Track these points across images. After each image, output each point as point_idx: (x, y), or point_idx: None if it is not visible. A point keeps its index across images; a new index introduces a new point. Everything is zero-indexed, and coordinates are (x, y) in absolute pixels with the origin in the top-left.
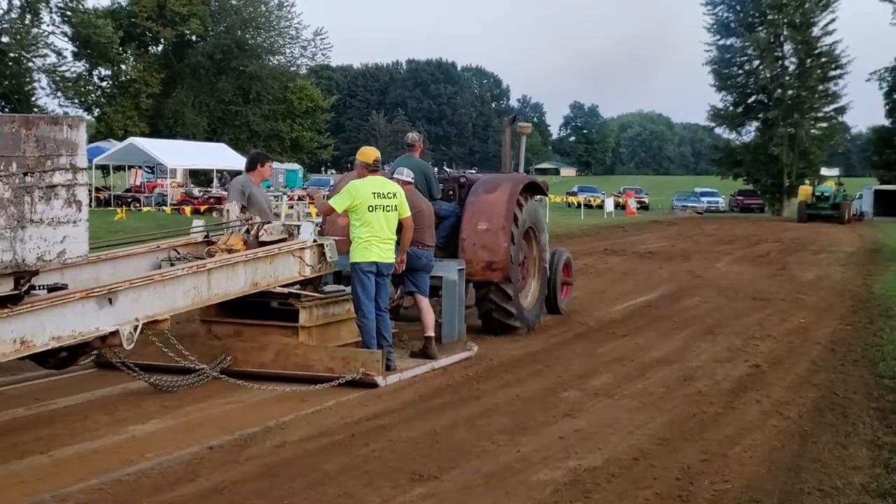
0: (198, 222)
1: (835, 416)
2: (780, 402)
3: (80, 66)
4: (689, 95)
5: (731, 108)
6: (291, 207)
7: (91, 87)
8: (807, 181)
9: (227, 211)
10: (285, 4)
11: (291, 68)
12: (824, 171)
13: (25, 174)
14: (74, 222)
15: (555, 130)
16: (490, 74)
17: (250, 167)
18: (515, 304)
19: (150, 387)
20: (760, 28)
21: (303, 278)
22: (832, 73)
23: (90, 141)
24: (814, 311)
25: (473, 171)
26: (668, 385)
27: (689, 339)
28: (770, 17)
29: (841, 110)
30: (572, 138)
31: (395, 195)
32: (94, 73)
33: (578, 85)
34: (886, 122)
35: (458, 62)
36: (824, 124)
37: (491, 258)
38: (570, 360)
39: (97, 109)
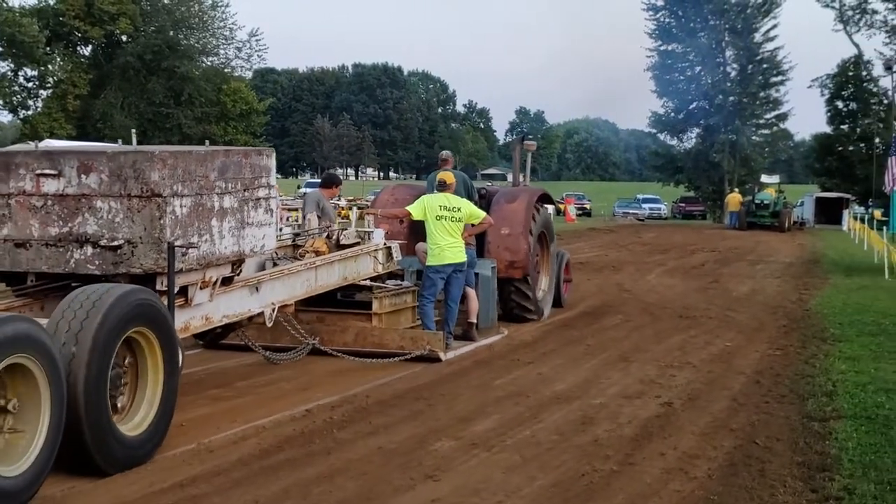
0: (287, 229)
1: (751, 475)
2: (687, 456)
3: (5, 66)
4: (634, 101)
5: (672, 114)
6: (362, 217)
7: (16, 88)
8: (736, 189)
9: (308, 220)
10: (219, 4)
11: (226, 70)
12: (764, 179)
13: (245, 190)
14: (269, 224)
15: (500, 136)
16: (436, 79)
17: (326, 185)
18: (532, 297)
19: (260, 359)
20: (702, 34)
21: (376, 274)
22: (773, 79)
23: (10, 143)
24: (743, 332)
25: (490, 185)
26: (561, 431)
27: (599, 367)
28: (712, 22)
29: (782, 117)
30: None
31: (460, 209)
32: (19, 73)
33: (524, 90)
34: (828, 130)
35: (404, 67)
36: (766, 131)
37: (513, 258)
38: (459, 395)
39: (22, 111)
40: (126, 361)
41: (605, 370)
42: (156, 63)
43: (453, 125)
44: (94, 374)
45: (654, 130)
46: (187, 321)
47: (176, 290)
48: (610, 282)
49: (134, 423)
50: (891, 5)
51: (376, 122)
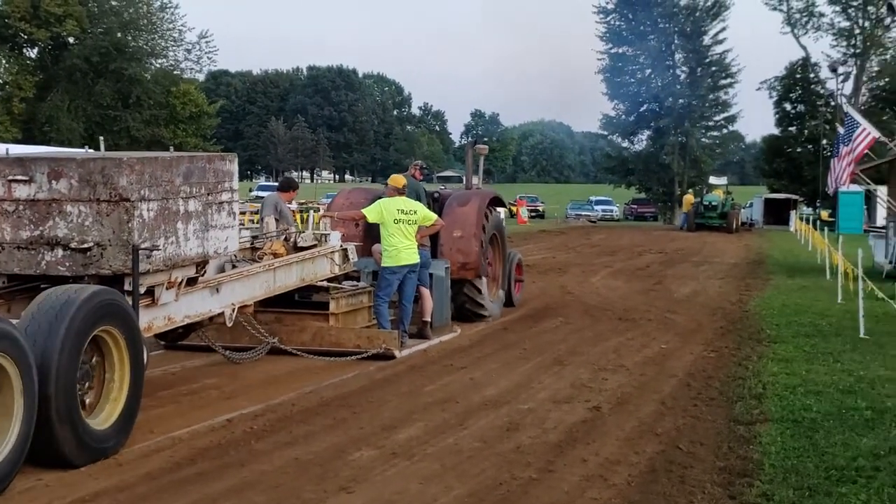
0: (245, 232)
1: (671, 481)
2: (609, 462)
3: None
4: (588, 104)
5: (623, 116)
6: (319, 221)
7: None
8: (690, 191)
9: (267, 223)
10: (168, 6)
11: (175, 72)
12: (713, 180)
13: (208, 194)
14: (232, 227)
15: (456, 138)
16: (391, 82)
17: (283, 189)
18: (484, 297)
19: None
20: (652, 37)
21: (333, 275)
22: (722, 82)
23: None
24: (680, 334)
25: (443, 188)
26: (485, 438)
27: (533, 371)
28: (661, 25)
29: (731, 119)
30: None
31: (416, 212)
32: None
33: (479, 93)
34: (777, 132)
35: (359, 69)
36: (715, 133)
37: (465, 260)
38: (387, 403)
39: None
40: (94, 359)
41: (538, 374)
42: (103, 65)
43: (409, 128)
44: (65, 370)
45: (605, 133)
46: (150, 321)
47: (143, 290)
48: (554, 284)
49: (101, 418)
50: (837, 8)
51: (331, 124)
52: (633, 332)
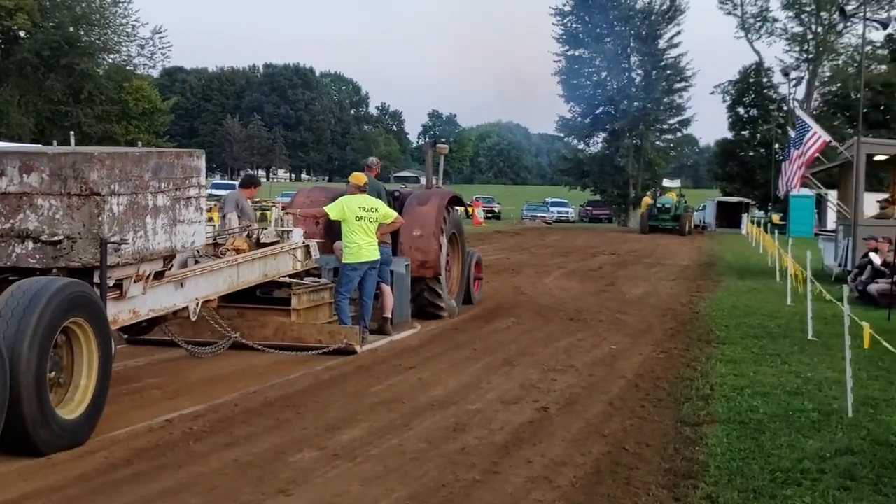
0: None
1: (616, 483)
2: (555, 463)
3: None
4: (545, 105)
5: (579, 118)
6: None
7: None
8: (648, 193)
9: (229, 219)
10: (121, 1)
11: (128, 67)
12: (666, 183)
13: (176, 189)
14: (200, 222)
15: (413, 138)
16: (349, 81)
17: (245, 186)
18: (443, 295)
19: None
20: (608, 40)
21: (295, 271)
22: (677, 85)
23: None
24: (630, 335)
25: (403, 187)
26: (430, 439)
27: (482, 371)
28: (617, 28)
29: (685, 122)
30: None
31: (377, 209)
32: None
33: (437, 94)
34: (730, 135)
35: (316, 68)
36: (669, 136)
37: (425, 258)
38: (332, 403)
39: None
40: (63, 350)
41: (487, 375)
42: (55, 60)
43: (366, 127)
44: (35, 360)
45: (561, 134)
46: (115, 314)
47: (112, 283)
48: (507, 284)
49: (70, 408)
50: (791, 13)
51: (288, 123)
52: (583, 333)
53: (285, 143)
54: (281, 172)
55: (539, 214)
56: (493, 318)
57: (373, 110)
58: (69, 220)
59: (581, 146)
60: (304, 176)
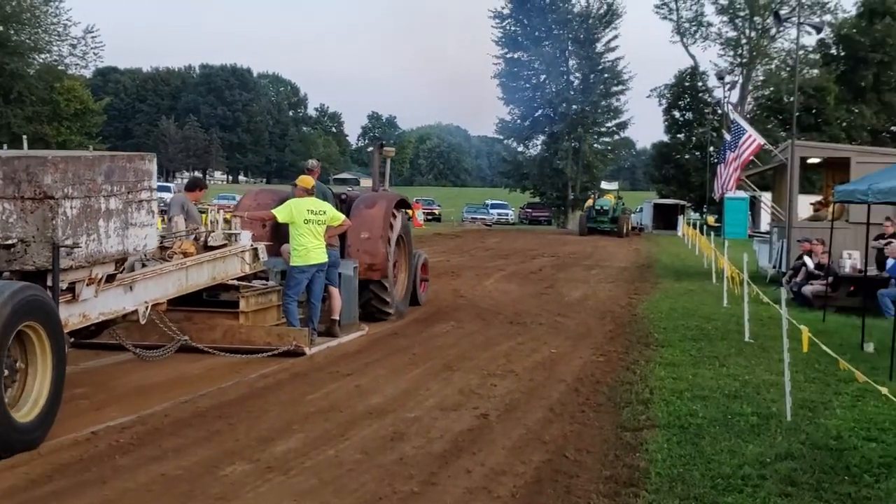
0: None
1: (556, 492)
2: (494, 473)
3: None
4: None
5: (518, 121)
6: (228, 221)
7: None
8: (590, 194)
9: (175, 222)
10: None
11: (59, 67)
12: (604, 185)
13: (128, 192)
14: (151, 225)
15: (353, 140)
16: (287, 82)
17: (191, 189)
18: (390, 297)
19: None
20: (546, 43)
21: (243, 274)
22: (614, 88)
23: None
24: (570, 338)
25: (350, 189)
26: (367, 449)
27: (422, 377)
28: (556, 32)
29: (623, 125)
30: (370, 149)
31: (325, 212)
32: None
33: (376, 95)
34: (666, 138)
35: (253, 68)
36: (607, 139)
37: (372, 261)
38: (267, 412)
39: None
40: (17, 353)
41: (426, 381)
42: None
43: (305, 129)
44: None
45: (501, 137)
46: (66, 318)
47: (65, 286)
48: (447, 287)
49: (25, 410)
50: (725, 18)
51: (225, 124)
52: (523, 337)
53: (222, 144)
54: (218, 174)
55: (479, 217)
56: (432, 323)
57: (311, 112)
58: (23, 224)
59: (520, 149)
60: (241, 178)
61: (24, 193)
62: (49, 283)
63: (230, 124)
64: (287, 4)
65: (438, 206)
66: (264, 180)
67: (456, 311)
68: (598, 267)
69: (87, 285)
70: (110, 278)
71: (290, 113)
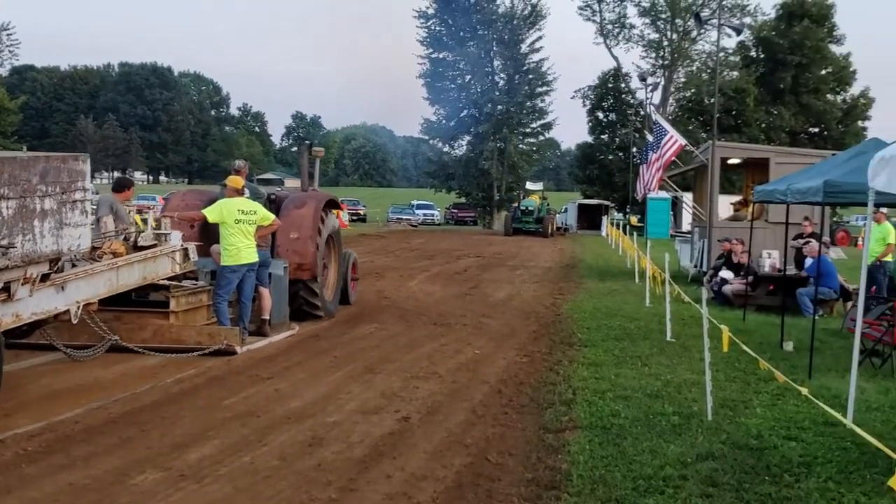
0: None
1: (478, 497)
2: (415, 478)
3: None
4: (410, 108)
5: (444, 121)
6: (157, 222)
7: None
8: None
9: (105, 223)
10: None
11: None
12: (529, 185)
13: (63, 193)
14: (84, 225)
15: (277, 140)
16: (209, 81)
17: (118, 189)
18: (320, 297)
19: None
20: (471, 43)
21: (174, 274)
22: (539, 89)
23: None
24: (494, 339)
25: (279, 190)
26: (285, 455)
27: (343, 380)
28: (481, 32)
29: (547, 126)
30: (294, 149)
31: (255, 212)
32: None
33: (300, 95)
34: (590, 139)
35: (174, 67)
36: (532, 140)
37: (301, 261)
38: (182, 418)
39: None
40: None
41: (347, 384)
42: None
43: (227, 128)
44: None
45: (426, 137)
46: (0, 317)
47: (0, 285)
48: (371, 288)
49: None
50: (647, 20)
51: (145, 123)
52: (447, 338)
53: (142, 144)
54: (138, 174)
55: (405, 217)
56: (355, 324)
57: (234, 111)
58: None
59: (446, 149)
60: (162, 178)
61: None
62: None
63: (150, 123)
64: (209, 2)
65: (364, 206)
66: (186, 180)
67: (379, 312)
68: (522, 267)
69: (23, 285)
70: (44, 278)
71: (213, 112)
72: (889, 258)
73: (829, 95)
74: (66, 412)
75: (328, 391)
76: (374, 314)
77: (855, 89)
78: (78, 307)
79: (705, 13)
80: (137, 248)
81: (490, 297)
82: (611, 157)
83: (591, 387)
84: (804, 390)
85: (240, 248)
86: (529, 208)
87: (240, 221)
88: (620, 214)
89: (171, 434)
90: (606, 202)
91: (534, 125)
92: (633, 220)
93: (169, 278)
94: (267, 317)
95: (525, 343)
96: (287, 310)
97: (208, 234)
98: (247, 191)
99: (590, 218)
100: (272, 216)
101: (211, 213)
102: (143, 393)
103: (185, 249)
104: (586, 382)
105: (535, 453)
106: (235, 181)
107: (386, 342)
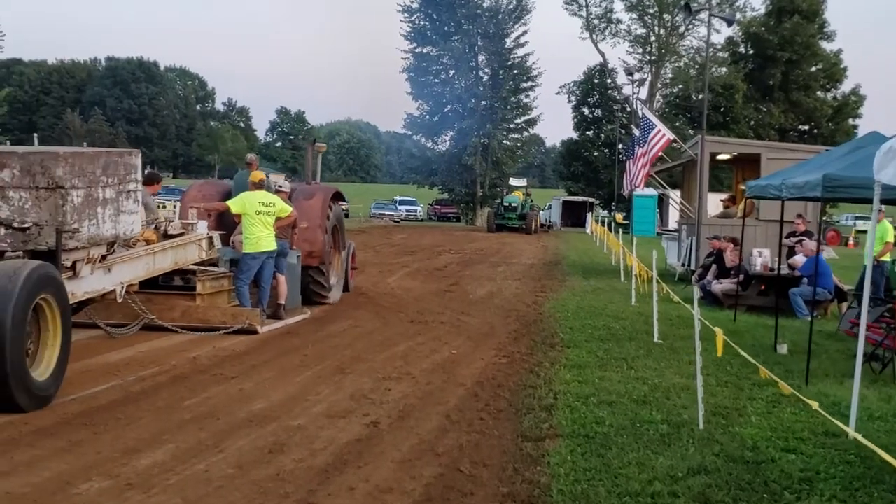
0: None
1: None
2: (379, 490)
3: None
4: (394, 103)
5: (427, 116)
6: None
7: None
8: (522, 192)
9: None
10: None
11: None
12: (513, 182)
13: (120, 183)
14: (136, 212)
15: (262, 135)
16: (195, 76)
17: (148, 182)
18: (327, 282)
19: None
20: (455, 38)
21: (200, 260)
22: (524, 85)
23: None
24: (472, 338)
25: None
26: (242, 463)
27: (311, 380)
28: (465, 27)
29: (532, 122)
30: (279, 144)
31: (274, 204)
32: None
33: (285, 90)
34: (575, 135)
35: (160, 62)
36: (516, 136)
37: (311, 249)
38: (138, 420)
39: None
40: (33, 322)
41: (316, 385)
42: None
43: (212, 123)
44: (17, 331)
45: (410, 132)
46: (70, 292)
47: (68, 264)
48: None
49: (40, 370)
50: (634, 15)
51: (131, 118)
52: (423, 337)
53: (128, 138)
54: None
55: (387, 213)
56: (329, 321)
57: (219, 106)
58: (37, 210)
59: (429, 144)
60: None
61: (38, 183)
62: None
63: (136, 118)
64: None
65: (347, 201)
66: (171, 174)
67: (355, 309)
68: (504, 264)
69: (86, 264)
70: (102, 259)
71: (198, 107)
72: (886, 257)
73: (819, 92)
74: (14, 413)
75: (295, 392)
76: (350, 311)
77: (846, 86)
78: (122, 288)
79: (695, 5)
80: (167, 236)
81: (470, 294)
82: (596, 153)
83: (573, 391)
84: (815, 404)
85: (259, 238)
86: (513, 205)
87: (260, 213)
88: (606, 212)
89: (123, 437)
90: (591, 199)
91: (518, 121)
92: (619, 217)
93: (196, 264)
94: (283, 302)
95: (505, 343)
96: (300, 296)
97: (224, 224)
98: (272, 183)
99: (574, 215)
100: (290, 208)
101: (234, 205)
102: (101, 392)
103: (210, 238)
104: (568, 386)
105: (512, 464)
106: (256, 175)
107: (359, 340)
